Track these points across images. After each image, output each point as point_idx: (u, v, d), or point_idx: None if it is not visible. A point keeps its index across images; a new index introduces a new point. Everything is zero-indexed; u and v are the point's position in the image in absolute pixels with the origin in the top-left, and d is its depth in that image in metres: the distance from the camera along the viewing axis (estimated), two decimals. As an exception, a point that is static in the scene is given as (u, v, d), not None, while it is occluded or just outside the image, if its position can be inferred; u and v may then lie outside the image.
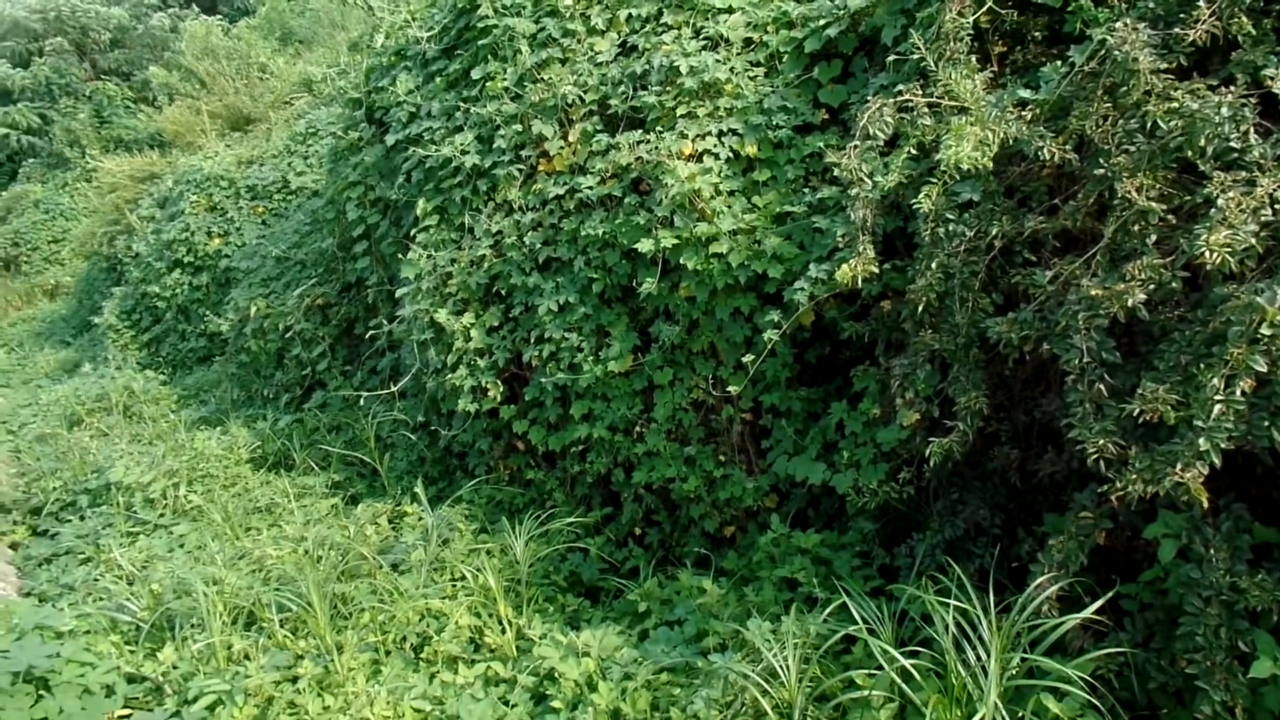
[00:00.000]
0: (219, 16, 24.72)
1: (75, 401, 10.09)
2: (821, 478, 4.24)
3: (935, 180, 3.18)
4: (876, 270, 3.49)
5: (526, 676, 3.76)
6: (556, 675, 3.64)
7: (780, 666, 3.13)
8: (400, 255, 6.19)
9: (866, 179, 3.45)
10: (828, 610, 3.42)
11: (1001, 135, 3.06)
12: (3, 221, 25.54)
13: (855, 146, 3.51)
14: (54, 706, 3.67)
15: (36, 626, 3.99)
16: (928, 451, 3.31)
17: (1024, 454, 3.40)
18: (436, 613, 4.49)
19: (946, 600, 3.09)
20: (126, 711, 3.88)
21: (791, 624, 3.28)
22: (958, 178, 3.13)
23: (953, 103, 3.50)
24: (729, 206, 4.51)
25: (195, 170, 13.00)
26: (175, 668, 4.09)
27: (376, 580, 4.79)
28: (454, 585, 4.79)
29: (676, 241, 4.52)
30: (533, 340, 5.30)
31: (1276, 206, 2.49)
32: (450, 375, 5.60)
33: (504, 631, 4.21)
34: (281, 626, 4.42)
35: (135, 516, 6.64)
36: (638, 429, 5.06)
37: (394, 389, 6.42)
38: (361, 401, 6.77)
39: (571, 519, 5.15)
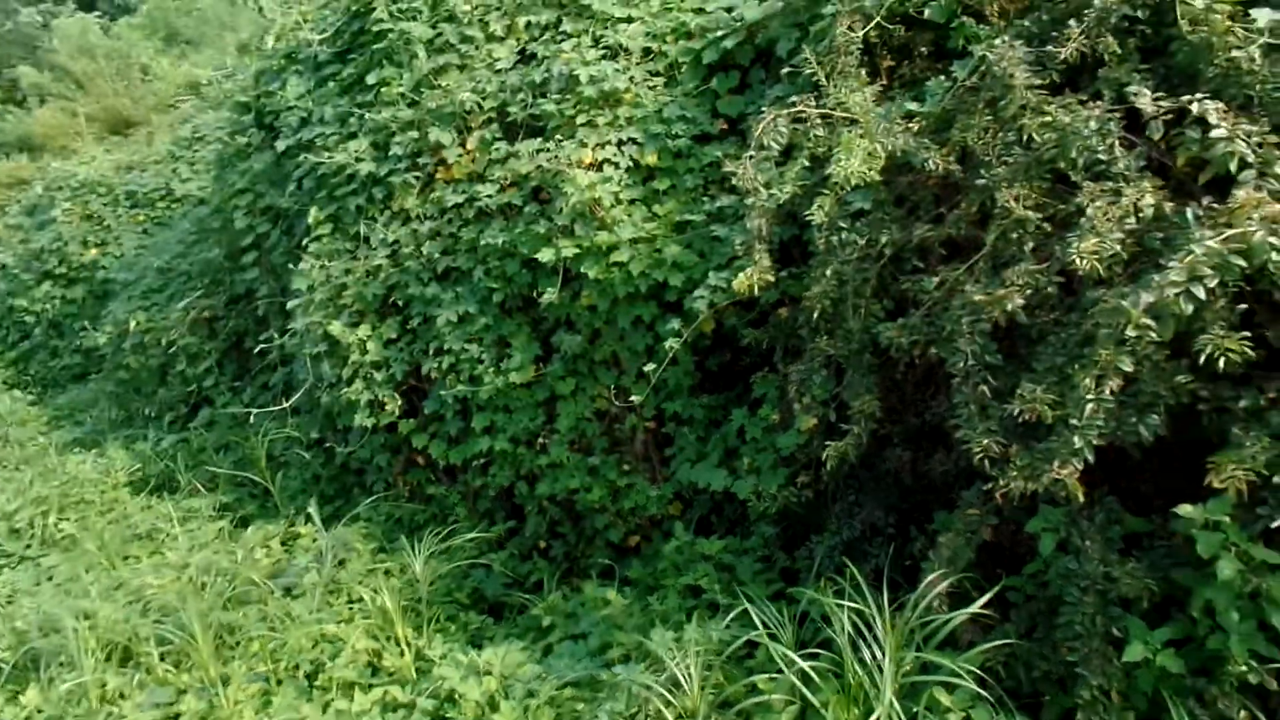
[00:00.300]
0: (96, 14, 23.44)
1: (-70, 426, 9.34)
2: (723, 484, 4.27)
3: (828, 191, 3.24)
4: (772, 279, 3.53)
5: (426, 699, 3.64)
6: (457, 697, 3.54)
7: (683, 675, 3.12)
8: (292, 266, 5.95)
9: (762, 189, 3.50)
10: (730, 616, 3.43)
11: (890, 147, 3.15)
12: None
13: (751, 157, 3.56)
14: (-101, 759, 3.35)
15: (-122, 672, 3.65)
16: (824, 455, 3.36)
17: (915, 455, 3.50)
18: (331, 638, 4.31)
19: (844, 601, 3.14)
20: (-15, 760, 3.58)
21: (694, 632, 3.29)
22: (849, 189, 3.21)
23: (844, 114, 3.59)
24: (629, 215, 4.51)
25: (69, 176, 12.23)
26: (40, 710, 3.79)
27: (267, 607, 4.57)
28: (350, 608, 4.62)
29: (577, 250, 4.49)
30: (432, 352, 5.17)
31: (1140, 215, 2.63)
32: (346, 389, 5.40)
33: (403, 654, 4.07)
34: (162, 660, 4.17)
35: (-1, 548, 6.17)
36: (540, 440, 4.99)
37: (286, 405, 6.16)
38: (252, 419, 6.47)
39: (474, 534, 5.04)
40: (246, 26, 16.48)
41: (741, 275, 3.45)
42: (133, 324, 8.30)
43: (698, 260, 4.33)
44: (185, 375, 7.87)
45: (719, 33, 4.67)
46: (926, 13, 3.78)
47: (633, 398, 4.49)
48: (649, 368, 4.27)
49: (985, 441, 2.72)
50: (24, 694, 3.87)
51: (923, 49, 3.91)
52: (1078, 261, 2.54)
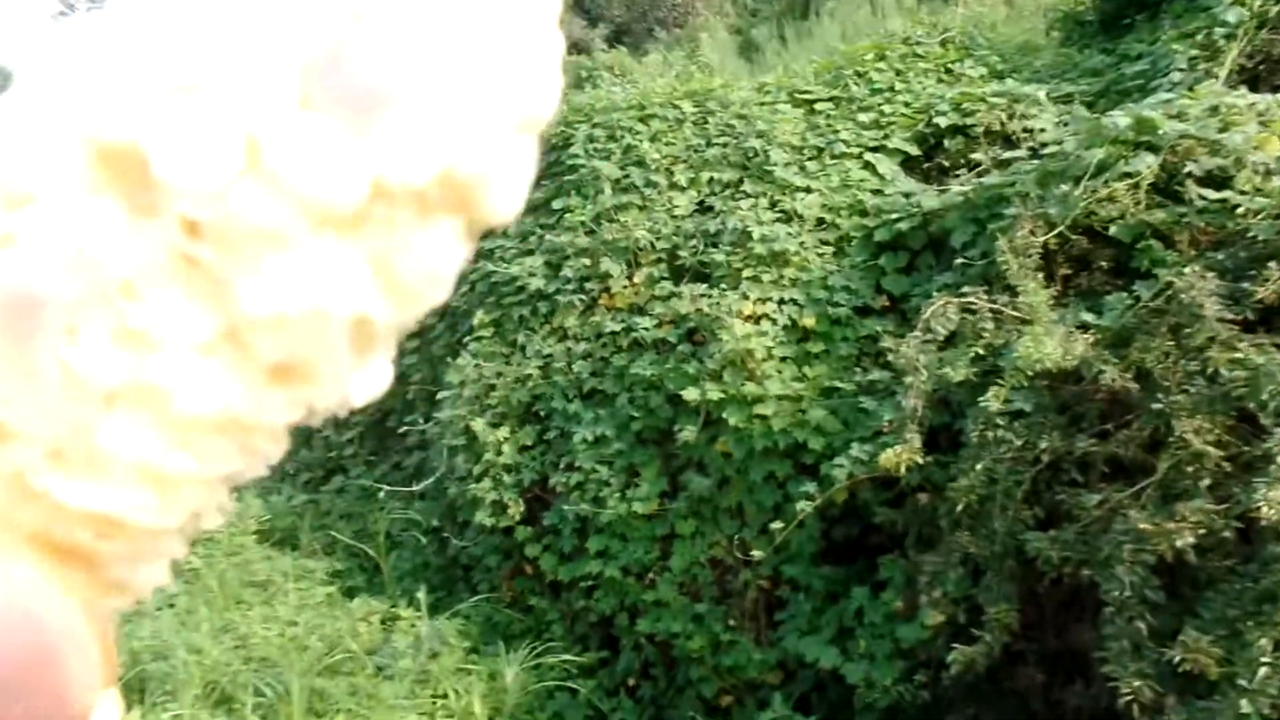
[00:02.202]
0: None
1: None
2: (833, 663, 4.10)
3: (1002, 382, 3.22)
4: (919, 460, 3.49)
5: (495, 819, 3.56)
6: (527, 824, 3.44)
7: None
8: (449, 359, 6.31)
9: (922, 370, 3.51)
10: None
11: (1068, 352, 3.12)
12: None
13: (915, 337, 3.60)
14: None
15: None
16: (949, 658, 3.20)
17: (1049, 679, 3.27)
18: (412, 730, 4.32)
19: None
20: (79, 776, 3.71)
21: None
22: (1024, 382, 3.18)
23: (1016, 313, 3.60)
24: (779, 371, 4.59)
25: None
26: (138, 737, 3.93)
27: (358, 681, 4.64)
28: (434, 703, 4.62)
29: (722, 396, 4.58)
30: (562, 466, 5.30)
31: (1336, 473, 2.49)
32: (474, 485, 5.59)
33: (479, 765, 4.02)
34: (253, 712, 4.26)
35: (131, 569, 6.56)
36: (651, 576, 4.96)
37: (416, 488, 6.40)
38: (381, 494, 6.74)
39: (567, 656, 4.99)
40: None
41: (890, 452, 3.43)
42: (293, 385, 8.91)
43: (841, 428, 4.33)
44: (328, 440, 8.33)
45: (894, 215, 4.82)
46: (1112, 229, 3.79)
47: (753, 553, 4.44)
48: (775, 525, 4.24)
49: (1137, 684, 2.53)
50: (127, 715, 4.03)
51: (1103, 263, 3.91)
52: (1264, 510, 2.40)
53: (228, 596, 6.02)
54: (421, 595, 5.40)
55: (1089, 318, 3.50)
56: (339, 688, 4.60)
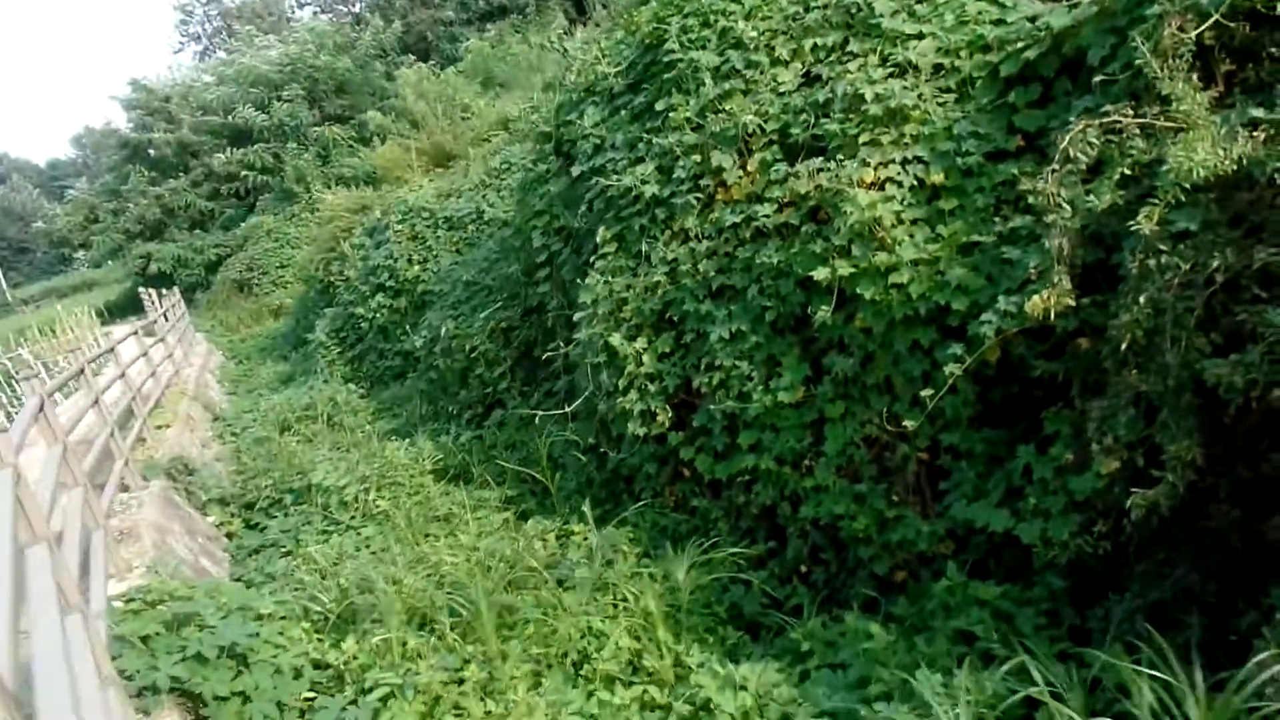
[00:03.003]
0: (430, 63, 26.85)
1: (287, 409, 11.12)
2: (1004, 525, 3.95)
3: (1156, 201, 2.91)
4: (1073, 303, 3.23)
5: (682, 704, 3.72)
6: (712, 706, 3.58)
7: (951, 723, 2.92)
8: (579, 281, 6.40)
9: (1065, 205, 3.22)
10: (1006, 668, 3.16)
11: (1233, 154, 2.77)
12: (240, 249, 28.80)
13: (1054, 171, 3.29)
14: (251, 682, 3.99)
15: (241, 607, 4.38)
16: (1129, 503, 3.01)
17: (1246, 513, 3.01)
18: (597, 632, 4.54)
19: (1147, 671, 2.77)
20: (311, 695, 4.16)
21: (966, 679, 3.06)
22: (1180, 199, 2.85)
23: (1169, 124, 3.21)
24: (911, 235, 4.34)
25: (401, 203, 14.10)
26: (355, 659, 4.36)
27: (541, 594, 4.91)
28: (615, 606, 4.83)
29: (854, 271, 4.40)
30: (703, 367, 5.31)
31: None
32: (621, 399, 5.70)
33: (662, 657, 4.19)
34: (451, 630, 4.61)
35: (330, 516, 7.20)
36: (806, 462, 4.93)
37: (567, 410, 6.61)
38: (537, 421, 7.02)
39: (735, 550, 5.07)
40: (551, 68, 18.02)
41: (1036, 298, 3.20)
42: (444, 331, 9.36)
43: (985, 284, 4.06)
44: (483, 378, 8.73)
45: (1019, 44, 4.38)
46: (1281, 7, 3.28)
47: (905, 423, 4.30)
48: (925, 394, 4.07)
49: (1346, 501, 2.28)
50: (344, 642, 4.47)
51: (1273, 50, 3.40)
52: None
53: (416, 532, 6.51)
54: (587, 509, 5.62)
55: (1259, 113, 3.08)
56: (525, 602, 4.90)
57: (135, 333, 11.44)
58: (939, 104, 4.59)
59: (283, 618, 4.71)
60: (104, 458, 6.79)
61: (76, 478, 4.89)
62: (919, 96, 4.61)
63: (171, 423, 10.09)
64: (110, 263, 42.83)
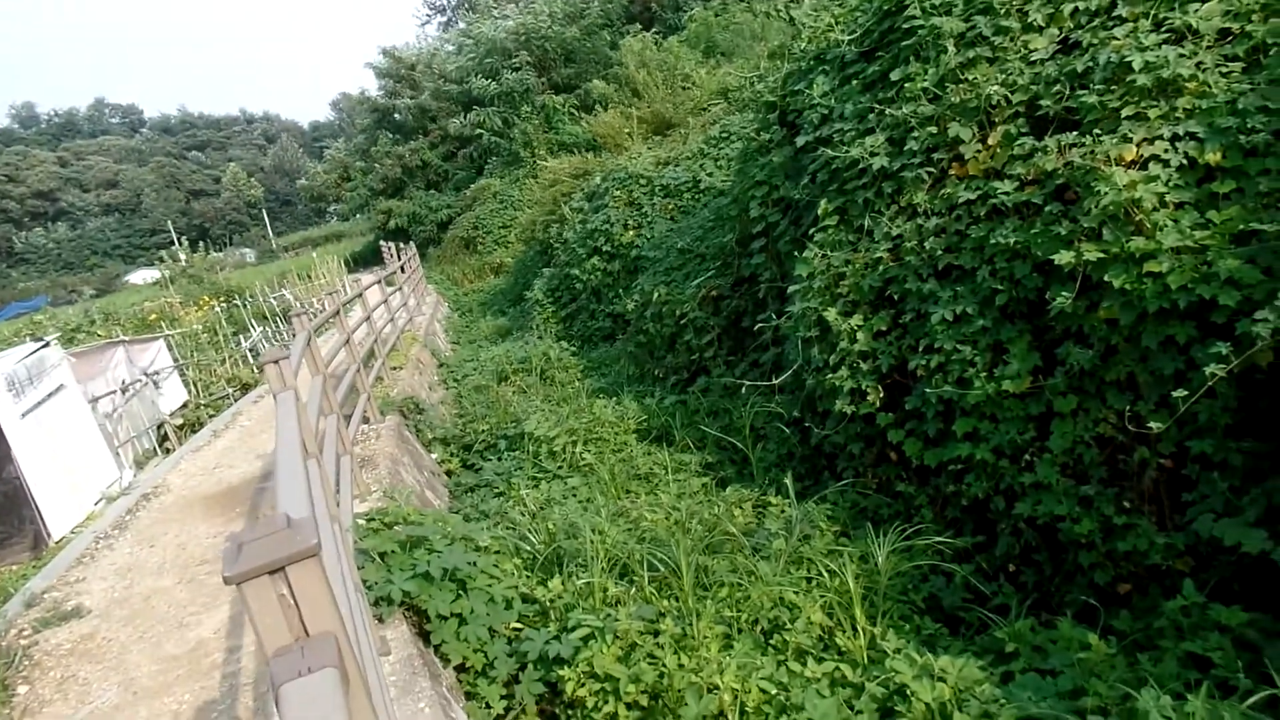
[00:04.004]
0: (654, 31, 27.27)
1: (505, 361, 11.87)
2: (1260, 547, 3.55)
3: None
4: (1380, 304, 2.81)
5: (875, 686, 3.67)
6: (908, 693, 3.50)
7: (1181, 748, 2.69)
8: (796, 253, 6.34)
9: (1380, 191, 2.80)
10: (1253, 700, 2.86)
11: None
12: (469, 209, 30.87)
13: (1368, 151, 2.87)
14: (467, 605, 4.36)
15: (463, 537, 4.78)
16: None
17: None
18: (789, 604, 4.55)
19: None
20: (519, 625, 4.48)
21: (1201, 705, 2.80)
22: None
23: None
24: (1175, 220, 3.94)
25: (620, 169, 14.51)
26: (560, 598, 4.63)
27: (737, 560, 4.98)
28: (809, 581, 4.82)
29: (1103, 256, 4.07)
30: (921, 349, 5.12)
31: None
32: (831, 375, 5.62)
33: (856, 636, 4.14)
34: (650, 583, 4.79)
35: (540, 464, 7.64)
36: (1027, 457, 4.65)
37: (774, 382, 6.60)
38: (742, 391, 7.06)
39: (939, 539, 4.89)
40: (776, 36, 17.77)
41: (1333, 297, 2.81)
42: (655, 296, 9.59)
43: (1262, 278, 3.63)
44: (690, 345, 8.88)
45: (1332, 4, 3.83)
46: None
47: (1151, 425, 3.95)
48: (1178, 394, 3.71)
49: None
50: (550, 581, 4.77)
51: None
52: None
53: (618, 487, 6.78)
54: (788, 481, 5.61)
55: None
56: (720, 565, 4.99)
57: (379, 282, 12.61)
58: (1221, 74, 4.12)
59: (496, 552, 5.09)
60: (349, 391, 7.58)
61: (333, 405, 5.50)
62: (1198, 65, 4.15)
63: (404, 365, 11.08)
64: (357, 216, 47.37)
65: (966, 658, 3.84)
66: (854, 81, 6.31)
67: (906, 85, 5.58)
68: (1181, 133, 4.06)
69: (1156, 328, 3.98)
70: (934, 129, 5.26)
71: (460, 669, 4.19)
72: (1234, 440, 3.86)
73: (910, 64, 5.68)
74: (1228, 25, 4.23)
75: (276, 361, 3.53)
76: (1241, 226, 3.77)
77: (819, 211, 6.10)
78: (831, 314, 5.61)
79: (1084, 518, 4.33)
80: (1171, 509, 4.19)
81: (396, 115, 38.64)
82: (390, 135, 38.10)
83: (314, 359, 5.39)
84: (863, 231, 5.75)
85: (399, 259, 17.44)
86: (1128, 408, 4.18)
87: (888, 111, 5.68)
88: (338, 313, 7.41)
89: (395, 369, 10.69)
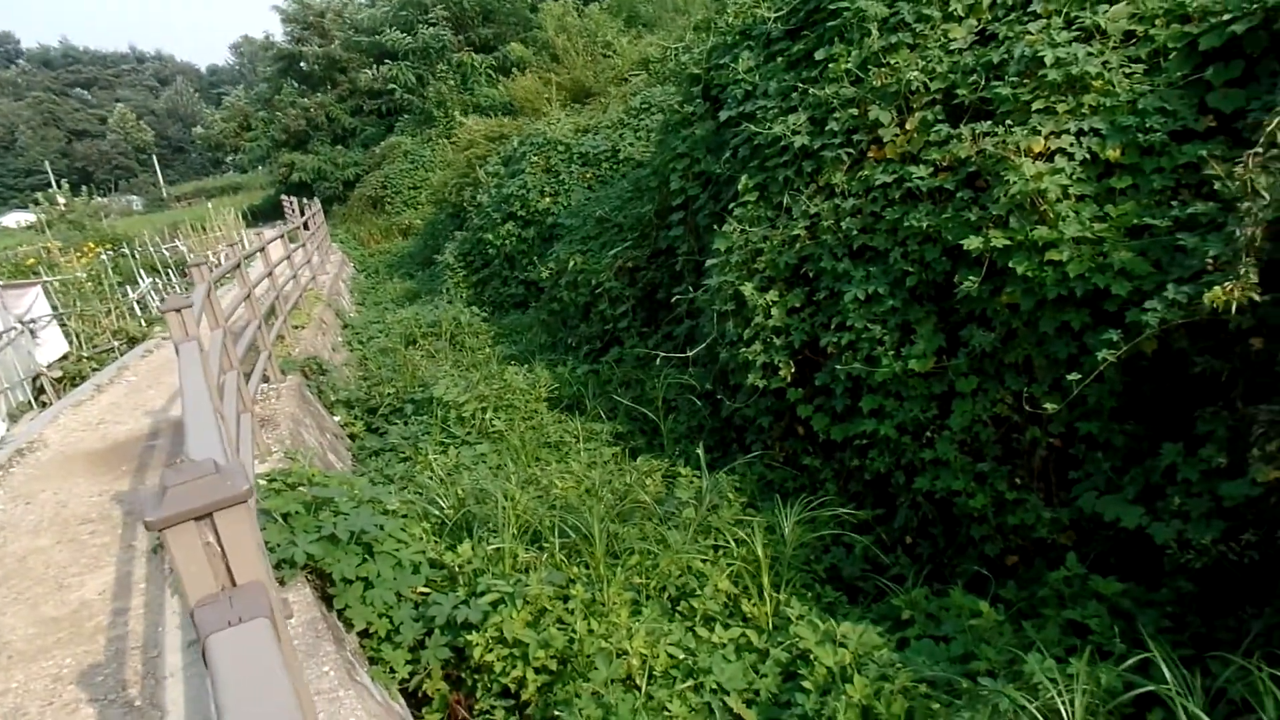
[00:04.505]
0: (575, -2, 26.80)
1: (414, 325, 11.59)
2: (1136, 522, 3.79)
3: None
4: (1257, 298, 3.03)
5: (780, 651, 3.78)
6: (811, 658, 3.62)
7: (1065, 708, 2.86)
8: (715, 227, 6.38)
9: (1264, 193, 3.00)
10: (1127, 664, 3.07)
11: None
12: (377, 167, 29.88)
13: (1256, 154, 3.07)
14: (373, 569, 4.26)
15: (370, 500, 4.66)
16: (1289, 515, 2.84)
17: None
18: (697, 571, 4.63)
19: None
20: (426, 590, 4.41)
21: (1082, 668, 2.99)
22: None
23: (1397, 114, 2.94)
24: (1076, 212, 4.14)
25: (538, 135, 14.28)
26: (469, 563, 4.59)
27: (647, 528, 5.03)
28: (716, 550, 4.91)
29: (1008, 243, 4.24)
30: (833, 326, 5.24)
31: None
32: (744, 349, 5.70)
33: (762, 603, 4.25)
34: (560, 550, 4.79)
35: (449, 430, 7.52)
36: (928, 434, 4.84)
37: (688, 354, 6.66)
38: (656, 362, 7.09)
39: (844, 511, 5.05)
40: (699, 10, 17.73)
41: (1217, 289, 3.01)
42: (571, 264, 9.51)
43: (1152, 270, 3.85)
44: (605, 314, 8.86)
45: (1225, 15, 4.05)
46: None
47: (1046, 406, 4.16)
48: (1072, 377, 3.92)
49: None
50: (460, 546, 4.71)
51: None
52: None
53: (529, 454, 6.73)
54: (700, 452, 5.68)
55: None
56: (630, 533, 5.03)
57: (281, 237, 12.10)
58: (1125, 74, 4.32)
59: (404, 515, 4.99)
60: (249, 349, 7.27)
61: (233, 362, 5.26)
62: (1104, 64, 4.34)
63: (306, 324, 10.69)
64: (259, 168, 45.23)
65: (865, 624, 3.99)
66: (779, 59, 6.36)
67: (830, 66, 5.66)
68: (1086, 128, 4.25)
69: (1054, 314, 4.18)
70: (855, 111, 5.36)
71: (364, 634, 4.10)
72: (1118, 422, 4.11)
73: (834, 45, 5.75)
74: (1133, 28, 4.43)
75: (179, 310, 3.34)
76: (1135, 221, 3.99)
77: (739, 187, 6.14)
78: (748, 289, 5.68)
79: (978, 493, 4.55)
80: (1058, 485, 4.43)
81: (303, 64, 36.94)
82: (296, 85, 36.43)
83: (214, 312, 5.13)
84: (781, 209, 5.82)
85: (302, 215, 16.75)
86: (1022, 389, 4.40)
87: (811, 91, 5.75)
88: (238, 266, 7.07)
89: (297, 328, 10.30)
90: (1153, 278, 3.82)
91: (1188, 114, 4.06)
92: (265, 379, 7.60)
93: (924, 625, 4.05)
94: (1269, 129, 3.07)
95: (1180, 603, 3.65)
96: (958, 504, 4.67)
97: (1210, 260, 3.46)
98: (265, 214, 40.21)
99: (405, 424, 7.98)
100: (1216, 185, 3.67)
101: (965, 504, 4.60)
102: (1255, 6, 3.94)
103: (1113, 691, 3.01)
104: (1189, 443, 3.76)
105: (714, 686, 3.62)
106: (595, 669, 3.68)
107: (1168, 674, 2.84)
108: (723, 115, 6.72)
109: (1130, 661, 3.08)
